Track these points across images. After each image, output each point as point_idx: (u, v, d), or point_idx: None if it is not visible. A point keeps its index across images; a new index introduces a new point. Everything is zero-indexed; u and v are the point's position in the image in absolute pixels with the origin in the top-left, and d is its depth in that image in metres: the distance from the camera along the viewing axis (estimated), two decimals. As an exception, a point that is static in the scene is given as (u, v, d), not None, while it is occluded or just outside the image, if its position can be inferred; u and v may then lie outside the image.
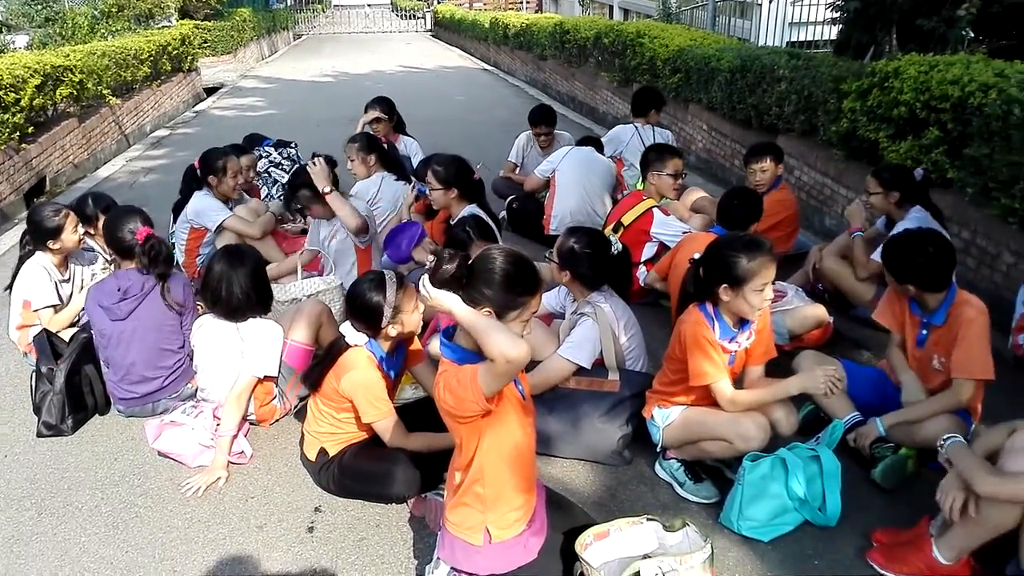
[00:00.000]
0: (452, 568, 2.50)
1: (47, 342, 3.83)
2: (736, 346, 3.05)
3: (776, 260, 2.98)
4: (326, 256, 4.65)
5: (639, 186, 5.32)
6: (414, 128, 7.43)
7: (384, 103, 6.50)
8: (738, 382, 3.12)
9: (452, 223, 4.61)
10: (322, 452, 3.17)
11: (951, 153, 4.85)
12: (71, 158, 8.69)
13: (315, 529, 3.04)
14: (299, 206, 5.42)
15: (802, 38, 10.94)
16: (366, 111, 6.44)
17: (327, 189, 4.37)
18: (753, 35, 11.87)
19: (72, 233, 4.16)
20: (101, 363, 3.84)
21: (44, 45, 11.64)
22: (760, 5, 11.96)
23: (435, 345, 3.31)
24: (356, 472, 3.12)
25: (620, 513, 2.95)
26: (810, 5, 10.63)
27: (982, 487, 2.46)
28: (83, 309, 4.05)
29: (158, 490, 3.31)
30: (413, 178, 5.86)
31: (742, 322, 3.04)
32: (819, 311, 4.21)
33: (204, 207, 4.99)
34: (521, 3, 31.69)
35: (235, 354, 3.49)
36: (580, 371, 3.45)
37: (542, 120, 6.90)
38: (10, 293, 4.16)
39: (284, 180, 6.15)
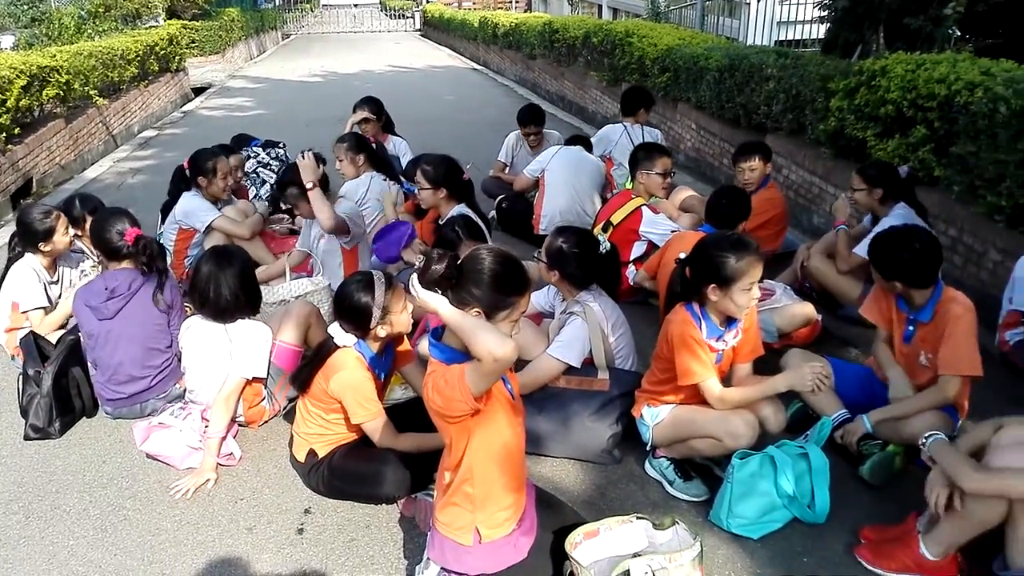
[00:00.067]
0: (442, 568, 2.50)
1: (34, 344, 3.81)
2: (723, 345, 3.06)
3: (763, 259, 2.99)
4: (315, 258, 4.64)
5: (628, 185, 5.33)
6: (403, 128, 7.42)
7: (372, 103, 6.50)
8: (726, 380, 3.13)
9: (441, 223, 4.60)
10: (311, 453, 3.16)
11: (938, 151, 4.88)
12: (58, 159, 8.63)
13: (305, 531, 3.04)
14: (287, 205, 5.42)
15: (790, 37, 10.98)
16: (354, 111, 6.44)
17: (310, 184, 4.35)
18: (741, 34, 11.91)
19: (63, 235, 4.15)
20: (88, 365, 3.82)
21: (30, 46, 11.55)
22: (748, 4, 11.99)
23: (424, 345, 3.31)
24: (346, 473, 3.12)
25: (610, 512, 2.95)
26: (798, 4, 10.66)
27: (967, 483, 2.48)
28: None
29: (146, 493, 3.29)
30: (401, 177, 5.87)
31: (729, 321, 3.05)
32: (807, 309, 4.23)
33: (193, 208, 4.97)
34: (510, 2, 31.69)
35: (223, 355, 3.48)
36: (570, 370, 3.45)
37: (531, 120, 6.90)
38: (-3, 296, 4.14)
39: (272, 180, 6.13)
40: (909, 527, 2.74)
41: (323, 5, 43.49)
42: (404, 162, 6.35)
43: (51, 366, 3.69)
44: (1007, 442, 2.57)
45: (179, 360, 3.71)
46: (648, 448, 3.30)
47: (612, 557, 2.51)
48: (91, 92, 9.61)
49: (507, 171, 7.10)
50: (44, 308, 4.13)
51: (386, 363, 3.28)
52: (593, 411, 3.38)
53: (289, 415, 3.66)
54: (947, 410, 3.15)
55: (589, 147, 6.39)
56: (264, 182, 6.23)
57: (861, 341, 4.26)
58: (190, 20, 18.25)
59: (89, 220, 4.47)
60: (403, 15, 38.02)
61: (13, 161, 7.54)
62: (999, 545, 2.52)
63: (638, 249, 4.89)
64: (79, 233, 4.47)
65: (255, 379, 3.52)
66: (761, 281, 3.00)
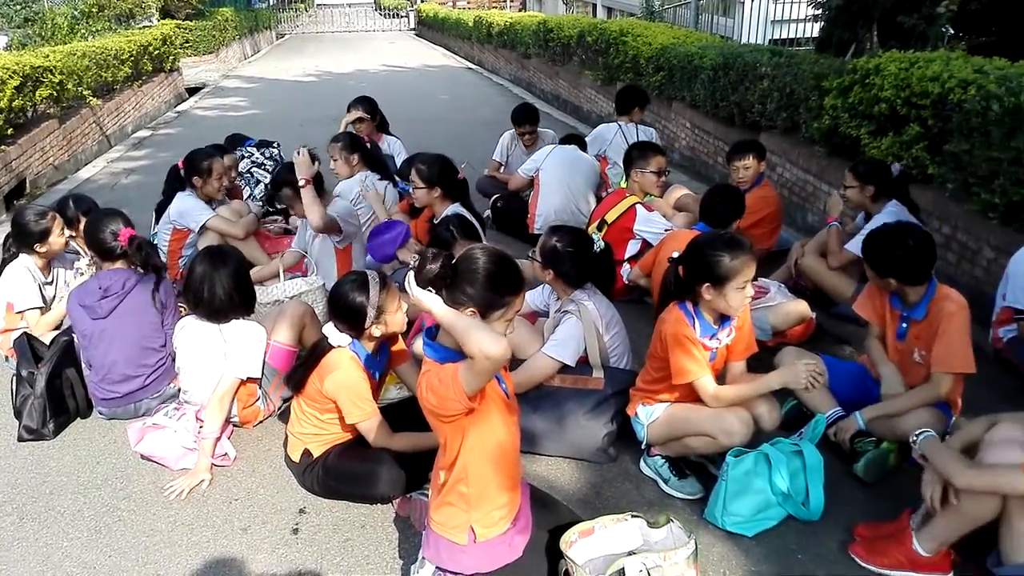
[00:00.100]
0: (437, 568, 2.49)
1: (27, 345, 3.81)
2: (717, 343, 3.06)
3: (756, 258, 2.99)
4: (310, 258, 4.64)
5: (623, 184, 5.33)
6: (398, 127, 7.42)
7: (366, 102, 6.49)
8: (720, 378, 3.13)
9: (436, 222, 4.60)
10: (306, 453, 3.16)
11: (931, 149, 4.89)
12: (51, 160, 8.61)
13: (300, 531, 3.03)
14: (282, 205, 5.41)
15: (784, 36, 11.00)
16: (348, 111, 6.43)
17: (302, 182, 4.33)
18: (736, 33, 11.92)
19: (59, 236, 4.16)
20: (82, 365, 3.81)
21: (23, 46, 11.52)
22: (742, 3, 12.01)
23: (419, 345, 3.31)
24: (341, 473, 3.11)
25: (605, 510, 2.95)
26: (792, 3, 10.70)
27: (959, 480, 2.49)
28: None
29: (141, 493, 3.28)
30: (396, 177, 5.87)
31: (722, 319, 3.06)
32: (801, 307, 4.23)
33: (187, 208, 4.97)
34: (505, 2, 31.66)
35: (218, 356, 3.47)
36: (565, 369, 3.45)
37: (525, 119, 6.90)
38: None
39: (267, 180, 6.13)
40: (903, 524, 2.75)
41: (317, 5, 43.35)
42: (399, 161, 6.34)
43: (44, 367, 3.68)
44: (999, 439, 2.59)
45: (173, 360, 3.71)
46: (643, 446, 3.30)
47: (607, 555, 2.51)
48: (85, 92, 9.57)
49: (502, 170, 7.10)
50: (40, 308, 4.12)
51: (381, 363, 3.28)
52: (588, 410, 3.38)
53: (284, 415, 3.66)
54: (941, 407, 3.16)
55: (584, 146, 6.39)
56: (258, 182, 6.22)
57: (855, 339, 4.27)
58: (184, 20, 18.21)
59: (83, 221, 4.48)
60: (397, 14, 37.99)
61: (6, 162, 7.52)
62: (993, 541, 2.52)
63: (632, 248, 4.90)
64: (73, 234, 4.47)
65: (249, 379, 3.52)
66: (755, 279, 3.01)
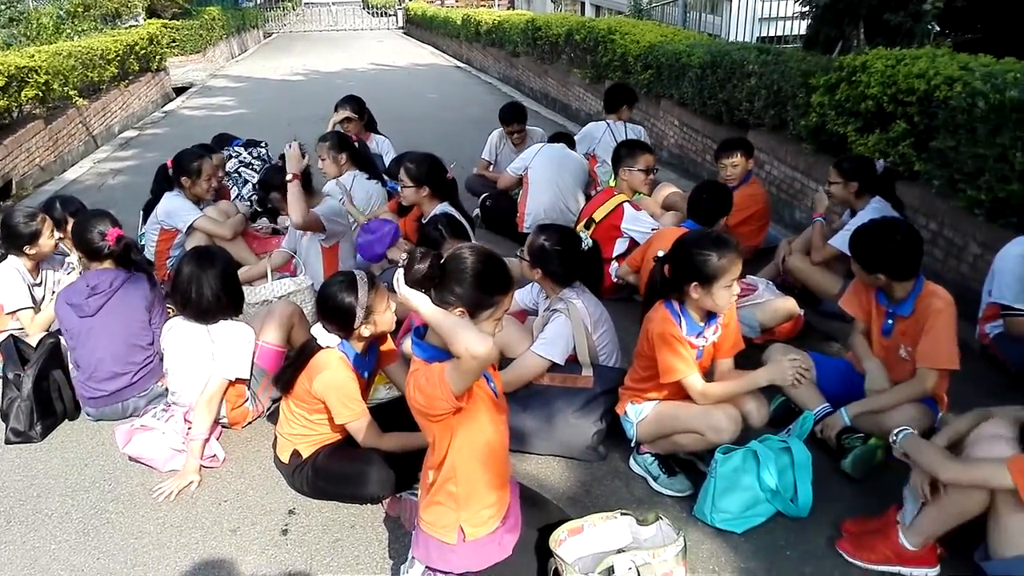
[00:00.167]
0: (427, 567, 2.50)
1: (14, 347, 3.78)
2: (703, 341, 3.07)
3: (742, 256, 3.00)
4: (298, 258, 4.62)
5: (611, 182, 5.34)
6: (386, 126, 7.40)
7: (354, 102, 6.48)
8: (708, 376, 3.14)
9: (424, 221, 4.59)
10: (295, 454, 3.15)
11: (918, 146, 4.92)
12: (37, 160, 8.55)
13: (289, 531, 3.02)
14: (270, 206, 5.40)
15: (772, 33, 11.03)
16: (336, 110, 6.42)
17: (290, 176, 4.32)
18: (723, 31, 11.94)
19: (48, 238, 4.14)
20: (69, 366, 3.81)
21: (8, 46, 11.41)
22: (730, 1, 12.03)
23: (408, 344, 3.30)
24: (330, 473, 3.11)
25: (595, 508, 2.96)
26: (780, 0, 10.71)
27: (944, 474, 2.51)
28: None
29: (129, 495, 3.27)
30: (385, 176, 5.86)
31: (708, 317, 3.07)
32: (789, 304, 4.25)
33: (175, 208, 4.95)
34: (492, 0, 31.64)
35: (206, 357, 3.46)
36: (554, 367, 3.46)
37: (513, 118, 6.90)
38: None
39: (255, 180, 6.11)
40: (889, 519, 2.77)
41: (305, 3, 43.27)
42: (387, 160, 6.34)
43: (31, 369, 3.66)
44: (986, 434, 2.61)
45: (160, 359, 3.69)
46: (632, 444, 3.31)
47: (596, 553, 2.52)
48: (71, 92, 9.51)
49: (491, 169, 7.10)
50: (31, 309, 4.10)
51: (370, 362, 3.28)
52: (577, 408, 3.38)
53: (273, 416, 3.65)
54: (927, 402, 3.18)
55: (572, 144, 6.40)
56: (246, 182, 6.20)
57: (843, 335, 4.27)
58: (170, 19, 18.12)
59: (71, 222, 4.47)
60: (385, 13, 37.91)
61: (-8, 163, 7.47)
62: (981, 535, 2.54)
63: (620, 246, 4.91)
64: (61, 235, 4.44)
65: (238, 380, 3.51)
66: (743, 277, 3.02)
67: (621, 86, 7.20)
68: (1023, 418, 2.63)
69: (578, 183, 5.95)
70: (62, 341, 3.90)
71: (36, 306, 4.14)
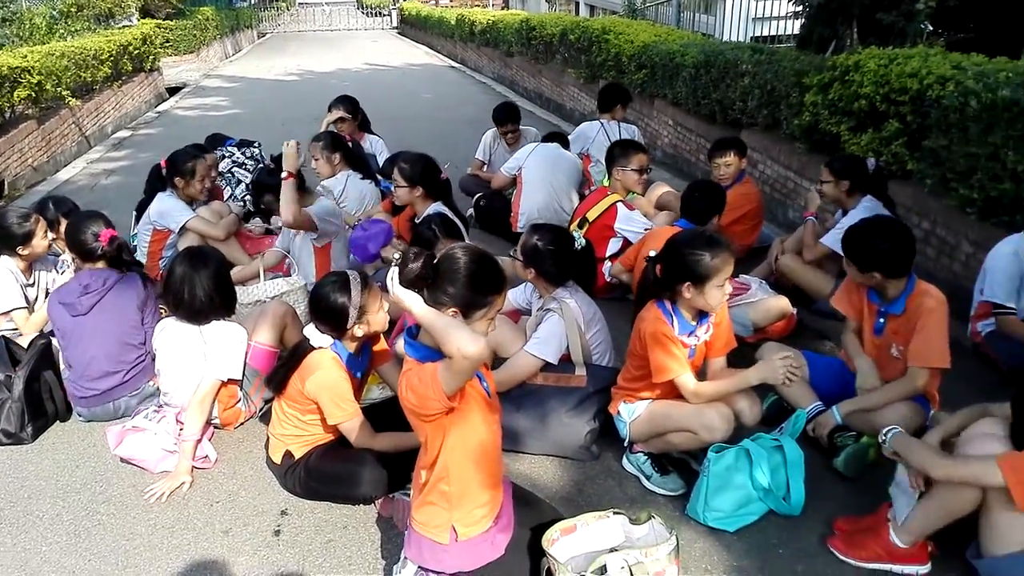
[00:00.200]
0: (420, 567, 2.49)
1: (4, 349, 3.76)
2: (695, 340, 3.07)
3: (735, 255, 3.00)
4: (292, 257, 4.61)
5: (605, 182, 5.34)
6: (381, 126, 7.39)
7: (348, 102, 6.47)
8: (701, 374, 3.15)
9: (417, 221, 4.59)
10: (288, 455, 3.14)
11: (910, 145, 4.93)
12: (30, 161, 8.52)
13: (282, 532, 3.02)
14: (263, 207, 5.39)
15: (766, 33, 11.03)
16: (330, 110, 6.40)
17: (285, 174, 4.31)
18: (717, 30, 11.94)
19: (42, 239, 4.14)
20: (61, 367, 3.80)
21: (1, 46, 11.39)
22: (724, 0, 12.03)
23: (401, 344, 3.30)
24: (322, 474, 3.10)
25: (588, 507, 2.96)
26: (773, 0, 10.71)
27: (936, 472, 2.52)
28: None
29: (121, 497, 3.26)
30: (378, 176, 5.85)
31: (700, 316, 3.07)
32: (782, 303, 4.25)
33: (168, 208, 4.93)
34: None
35: (198, 357, 3.45)
36: (547, 367, 3.46)
37: (507, 118, 6.91)
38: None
39: (248, 180, 6.09)
40: (881, 517, 2.77)
41: (299, 3, 43.23)
42: (381, 160, 6.33)
43: (22, 370, 3.65)
44: (978, 433, 2.62)
45: (152, 358, 3.69)
46: (625, 443, 3.30)
47: (589, 552, 2.52)
48: (63, 93, 9.49)
49: (485, 169, 7.09)
50: (25, 309, 4.09)
51: (363, 363, 3.27)
52: (571, 407, 3.38)
53: (265, 416, 3.64)
54: (919, 400, 3.19)
55: (566, 144, 6.40)
56: (239, 182, 6.18)
57: (836, 334, 4.28)
58: (164, 19, 18.07)
59: (63, 222, 4.46)
60: (380, 13, 37.89)
61: (-16, 163, 7.45)
62: (973, 533, 2.55)
63: (614, 245, 4.91)
64: (54, 235, 4.43)
65: (230, 381, 3.50)
66: (736, 276, 3.02)
67: (615, 86, 7.20)
68: None
69: (572, 183, 5.95)
70: (53, 342, 3.89)
71: (29, 306, 4.13)
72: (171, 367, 3.53)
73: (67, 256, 4.38)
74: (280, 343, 3.69)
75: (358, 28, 35.56)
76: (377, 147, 6.65)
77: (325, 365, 3.03)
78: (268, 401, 3.62)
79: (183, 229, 4.92)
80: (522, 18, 14.96)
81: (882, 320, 3.28)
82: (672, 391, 3.08)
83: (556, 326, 3.44)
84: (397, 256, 2.33)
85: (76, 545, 2.98)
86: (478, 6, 27.76)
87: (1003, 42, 6.87)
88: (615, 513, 2.62)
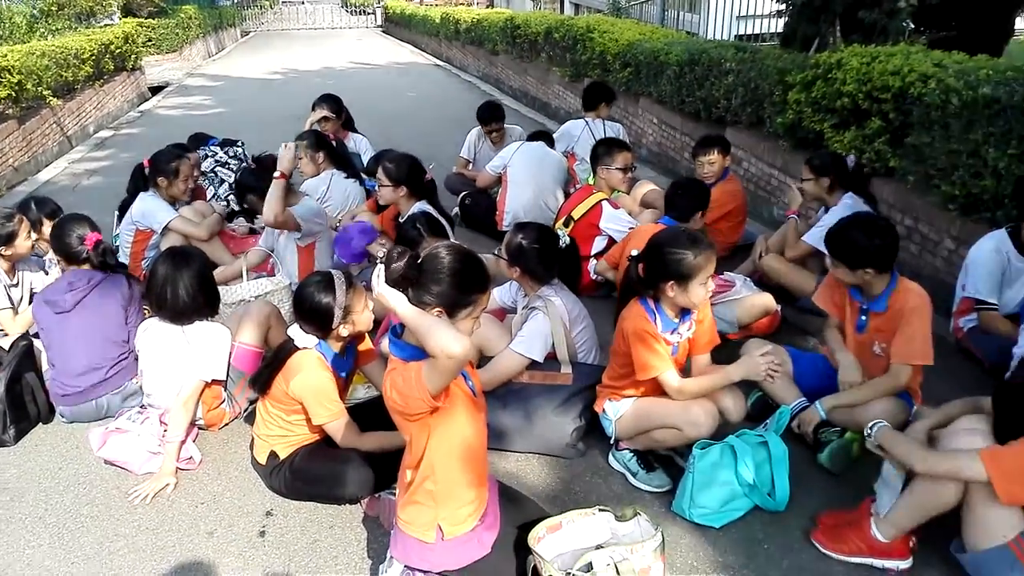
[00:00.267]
0: (406, 566, 2.49)
1: (-14, 350, 3.74)
2: (678, 337, 3.08)
3: (716, 252, 3.01)
4: (275, 257, 4.59)
5: (590, 180, 5.34)
6: (365, 125, 7.37)
7: (331, 101, 6.45)
8: (685, 372, 3.16)
9: (402, 220, 4.58)
10: (272, 455, 3.13)
11: (893, 142, 4.96)
12: (11, 161, 8.44)
13: (267, 533, 3.00)
14: (247, 206, 5.36)
15: (750, 31, 11.07)
16: (313, 109, 6.38)
17: (278, 174, 4.29)
18: (702, 29, 11.97)
19: (25, 239, 4.12)
20: (43, 367, 3.79)
21: (-20, 45, 11.29)
22: (708, -1, 12.07)
23: (387, 344, 3.29)
24: (308, 474, 3.09)
25: (574, 505, 2.96)
26: (757, -2, 10.75)
27: (920, 465, 2.54)
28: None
29: (104, 498, 3.24)
30: (363, 174, 5.84)
31: (683, 313, 3.08)
32: (767, 300, 4.27)
33: (150, 208, 4.90)
34: (472, -2, 31.59)
35: (181, 358, 3.43)
36: (533, 365, 3.46)
37: (491, 117, 6.90)
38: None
39: (231, 180, 6.06)
40: (864, 511, 2.79)
41: (283, 1, 42.99)
42: (365, 159, 6.31)
43: (3, 372, 3.61)
44: (961, 427, 2.64)
45: (135, 357, 3.66)
46: (611, 441, 3.31)
47: (575, 550, 2.52)
48: (44, 92, 9.40)
49: (470, 167, 7.08)
50: (9, 310, 4.05)
51: (348, 362, 3.26)
52: (557, 405, 3.38)
53: (250, 417, 3.62)
54: (903, 396, 3.21)
55: (551, 143, 6.40)
56: (223, 181, 6.15)
57: (819, 331, 4.29)
58: (146, 18, 17.93)
59: (46, 223, 4.46)
60: (364, 11, 37.72)
61: (-37, 163, 7.37)
62: (955, 528, 2.57)
63: (599, 244, 4.92)
64: (37, 236, 4.41)
65: (214, 381, 3.48)
66: (721, 273, 3.03)
67: (599, 84, 7.20)
68: None
69: (557, 181, 5.95)
70: (35, 344, 3.86)
71: (14, 307, 4.09)
72: (154, 368, 3.50)
73: (52, 256, 4.35)
74: (264, 343, 3.67)
75: (342, 26, 35.41)
76: (361, 146, 6.63)
77: (310, 365, 3.01)
78: (253, 402, 3.60)
79: (166, 229, 4.89)
80: (507, 16, 14.94)
81: (864, 318, 3.30)
82: (657, 389, 3.09)
83: (541, 324, 3.45)
84: (382, 254, 2.32)
85: (59, 547, 2.96)
86: (463, 4, 27.71)
87: (984, 40, 6.95)
88: (601, 510, 2.63)
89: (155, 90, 15.66)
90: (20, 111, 8.90)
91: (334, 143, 5.87)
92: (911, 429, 2.82)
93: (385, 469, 2.98)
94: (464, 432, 2.39)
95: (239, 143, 6.59)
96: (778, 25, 9.41)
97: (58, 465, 3.47)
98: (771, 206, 6.44)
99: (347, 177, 5.62)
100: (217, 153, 6.26)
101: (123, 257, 4.86)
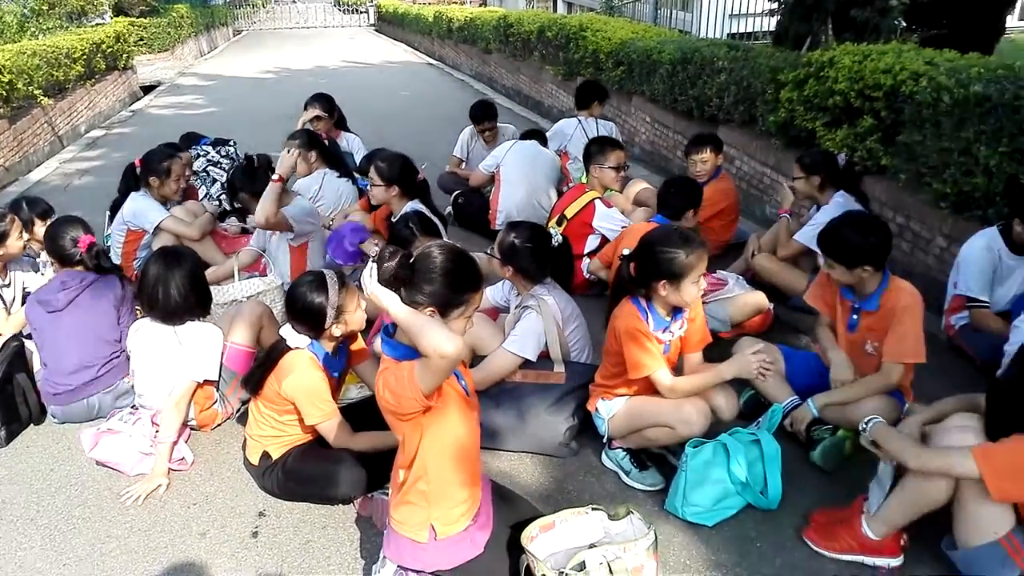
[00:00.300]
0: (399, 566, 2.49)
1: (-24, 352, 3.72)
2: (670, 335, 3.08)
3: (707, 250, 3.02)
4: (268, 256, 4.58)
5: (583, 179, 5.34)
6: (358, 124, 7.35)
7: (324, 100, 6.43)
8: (678, 370, 3.16)
9: (394, 220, 4.57)
10: (265, 456, 3.12)
11: (885, 140, 4.97)
12: (1, 161, 8.40)
13: (259, 534, 3.00)
14: (239, 206, 5.34)
15: (742, 30, 11.09)
16: (306, 108, 6.37)
17: (276, 176, 4.28)
18: (694, 27, 11.99)
19: (17, 239, 4.10)
20: (35, 368, 3.78)
21: (-30, 45, 11.23)
22: (701, -3, 12.08)
23: (380, 343, 3.29)
24: (301, 474, 3.08)
25: (568, 504, 2.95)
26: (749, -4, 10.76)
27: (912, 461, 2.54)
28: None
29: (96, 500, 3.22)
30: (355, 173, 5.82)
31: (674, 311, 3.08)
32: (759, 298, 4.28)
33: (142, 208, 4.88)
34: (465, -3, 31.56)
35: (173, 358, 3.42)
36: (526, 364, 3.46)
37: (484, 116, 6.90)
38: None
39: (224, 179, 6.03)
40: (856, 509, 2.79)
41: (275, 0, 42.86)
42: (358, 158, 6.29)
43: (-6, 373, 3.60)
44: (952, 425, 2.64)
45: (127, 357, 3.65)
46: (604, 440, 3.31)
47: (568, 549, 2.52)
48: (35, 92, 9.36)
49: (463, 166, 7.08)
50: (2, 310, 4.04)
51: (340, 362, 3.26)
52: (550, 404, 3.38)
53: (243, 418, 3.61)
54: (894, 394, 3.21)
55: (544, 141, 6.40)
56: (215, 181, 6.11)
57: (812, 329, 4.31)
58: (138, 17, 17.87)
59: (38, 223, 4.44)
60: (357, 10, 37.61)
61: (-46, 164, 7.33)
62: (945, 526, 2.58)
63: (592, 242, 4.92)
64: (29, 236, 4.39)
65: (206, 382, 3.47)
66: (714, 272, 3.03)
67: (592, 83, 7.20)
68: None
69: (550, 180, 5.95)
70: (27, 345, 3.84)
71: (6, 307, 4.08)
72: (146, 368, 3.49)
73: (46, 258, 4.34)
74: (257, 343, 3.66)
75: (335, 25, 35.34)
76: (354, 145, 6.62)
77: (302, 365, 3.01)
78: (245, 402, 3.60)
79: (157, 229, 4.87)
80: (500, 15, 14.93)
81: (856, 317, 3.30)
82: (649, 387, 3.09)
83: (534, 323, 3.44)
84: (375, 251, 2.32)
85: (51, 549, 2.95)
86: (455, 3, 27.69)
87: (975, 39, 6.97)
88: (594, 509, 2.62)
89: (147, 89, 15.61)
90: (11, 111, 8.87)
91: (327, 142, 5.85)
92: (904, 423, 2.82)
93: (378, 469, 2.98)
94: (457, 431, 2.39)
95: (231, 142, 6.56)
96: (770, 23, 9.42)
97: (49, 467, 3.46)
98: (763, 204, 6.45)
99: (340, 176, 5.61)
100: (209, 152, 6.23)
101: (114, 257, 4.84)
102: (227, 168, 6.11)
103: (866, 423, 2.74)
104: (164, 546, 2.94)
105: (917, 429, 2.75)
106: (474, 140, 7.07)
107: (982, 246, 3.89)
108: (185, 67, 19.59)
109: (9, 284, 4.18)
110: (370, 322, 3.63)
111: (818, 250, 3.36)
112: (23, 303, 4.00)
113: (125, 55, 14.16)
